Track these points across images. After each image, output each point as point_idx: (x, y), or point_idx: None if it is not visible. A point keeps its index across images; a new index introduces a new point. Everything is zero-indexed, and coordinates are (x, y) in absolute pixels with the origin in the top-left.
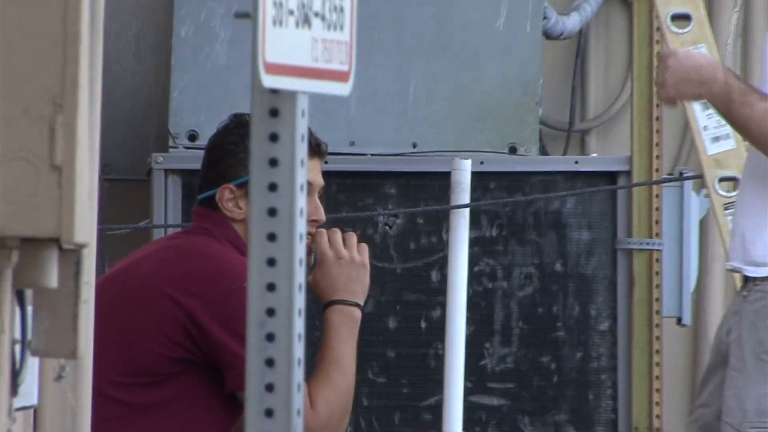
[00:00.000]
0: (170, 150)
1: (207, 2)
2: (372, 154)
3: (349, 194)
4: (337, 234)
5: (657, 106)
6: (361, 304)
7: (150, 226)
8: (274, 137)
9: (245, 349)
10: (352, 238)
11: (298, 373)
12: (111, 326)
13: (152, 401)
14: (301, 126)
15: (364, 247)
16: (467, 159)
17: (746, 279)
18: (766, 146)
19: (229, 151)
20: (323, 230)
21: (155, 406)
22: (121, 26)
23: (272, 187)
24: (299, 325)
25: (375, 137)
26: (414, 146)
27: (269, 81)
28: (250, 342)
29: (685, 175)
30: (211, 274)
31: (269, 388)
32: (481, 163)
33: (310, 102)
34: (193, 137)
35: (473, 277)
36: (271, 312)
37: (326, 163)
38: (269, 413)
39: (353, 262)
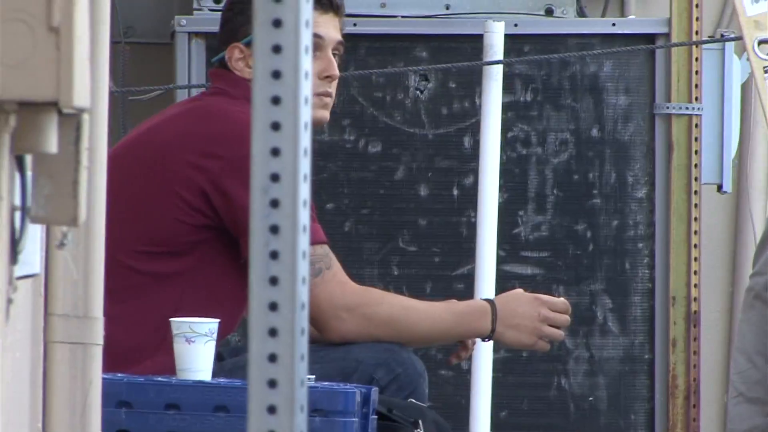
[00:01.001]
0: (194, 12)
1: None
2: (403, 16)
3: (379, 58)
4: (561, 305)
5: None
6: (491, 337)
7: (174, 87)
8: None
9: None
10: (563, 317)
11: (303, 240)
12: (129, 195)
13: (174, 270)
14: None
15: (559, 334)
16: (501, 21)
17: None
18: None
19: (238, 10)
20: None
21: (177, 275)
22: None
23: (276, 49)
24: (305, 190)
25: None
26: (447, 8)
27: None
28: (254, 208)
29: (726, 37)
30: (230, 135)
31: (273, 255)
32: (515, 25)
33: None
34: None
35: (506, 143)
36: (275, 177)
37: (355, 25)
38: (273, 281)
39: (533, 330)
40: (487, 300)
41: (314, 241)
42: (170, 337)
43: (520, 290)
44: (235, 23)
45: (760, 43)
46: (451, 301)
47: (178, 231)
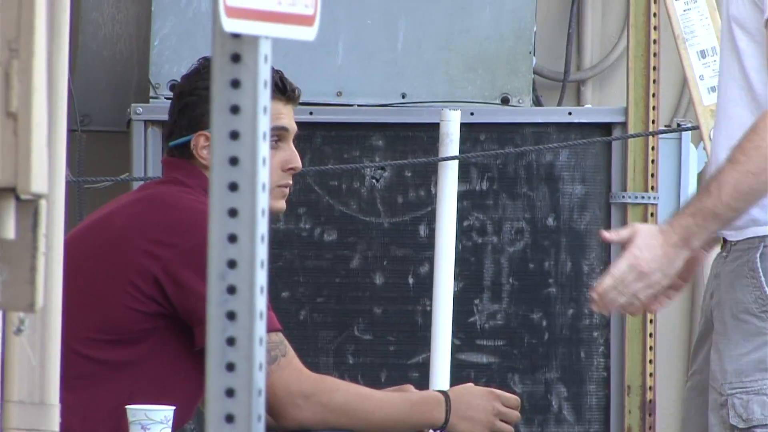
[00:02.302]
0: (151, 100)
1: None
2: (359, 105)
3: (335, 146)
4: (514, 401)
5: (654, 55)
6: (444, 428)
7: (130, 178)
8: (236, 83)
9: None
10: (514, 413)
11: (260, 326)
12: (83, 282)
13: (128, 359)
14: (264, 72)
15: (510, 430)
16: (457, 110)
17: (725, 242)
18: None
19: (203, 97)
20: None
21: (131, 364)
22: None
23: (234, 135)
24: (261, 277)
25: (363, 87)
26: (403, 96)
27: (230, 25)
28: (211, 294)
29: (682, 126)
30: (184, 224)
31: (230, 341)
32: (471, 113)
33: (294, 52)
34: (174, 87)
35: (462, 232)
36: (232, 264)
37: (311, 114)
38: (230, 367)
39: (487, 422)
40: (441, 391)
41: (269, 329)
42: (125, 425)
43: (472, 384)
44: (200, 110)
45: None
46: (406, 391)
47: (131, 319)
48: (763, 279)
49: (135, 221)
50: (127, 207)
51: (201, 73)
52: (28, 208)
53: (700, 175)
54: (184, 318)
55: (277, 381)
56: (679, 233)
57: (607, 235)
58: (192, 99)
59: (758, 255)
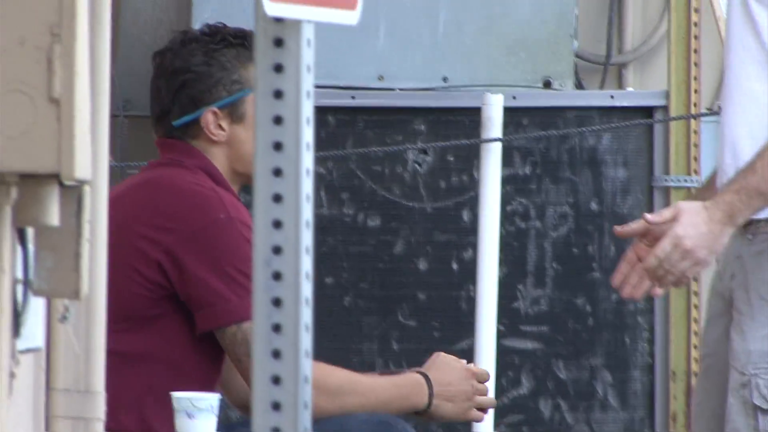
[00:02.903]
0: None
1: None
2: (401, 89)
3: (377, 131)
4: (486, 375)
5: (695, 38)
6: (430, 408)
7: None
8: (278, 68)
9: (225, 284)
10: (486, 387)
11: (306, 313)
12: None
13: (140, 349)
14: (307, 56)
15: (491, 402)
16: (499, 94)
17: (749, 223)
18: None
19: (200, 73)
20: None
21: (144, 355)
22: None
23: (277, 120)
24: (307, 263)
25: (404, 71)
26: (445, 80)
27: (272, 9)
28: (256, 281)
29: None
30: (185, 208)
31: (276, 328)
32: (514, 98)
33: (335, 36)
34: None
35: (505, 217)
36: (277, 250)
37: (353, 98)
38: (276, 354)
39: (466, 401)
40: (422, 373)
41: None
42: (148, 415)
43: (447, 358)
44: (201, 86)
45: None
46: (390, 376)
47: (139, 304)
48: None
49: (135, 207)
50: (129, 192)
51: (190, 48)
52: (72, 195)
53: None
54: (186, 302)
55: None
56: (723, 210)
57: (650, 217)
58: (190, 76)
59: None
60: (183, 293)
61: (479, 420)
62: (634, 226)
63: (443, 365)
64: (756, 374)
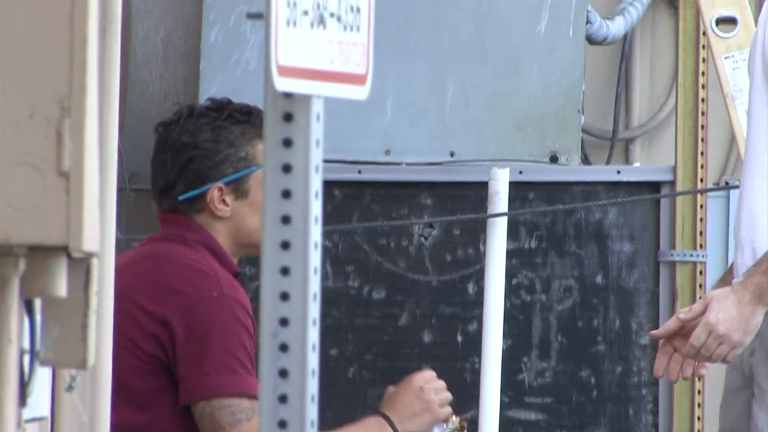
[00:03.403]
0: None
1: (236, 6)
2: (408, 163)
3: (383, 204)
4: (438, 382)
5: (702, 114)
6: None
7: None
8: (287, 143)
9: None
10: (447, 396)
11: (312, 384)
12: None
13: (138, 423)
14: (317, 131)
15: (448, 396)
16: (505, 168)
17: None
18: None
19: (209, 149)
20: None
21: (141, 428)
22: (148, 30)
23: (286, 194)
24: (314, 335)
25: (411, 146)
26: (452, 155)
27: (282, 84)
28: (263, 352)
29: (731, 184)
30: (182, 283)
31: (282, 399)
32: (520, 172)
33: (342, 110)
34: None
35: (511, 290)
36: (284, 322)
37: (359, 172)
38: (282, 425)
39: (429, 410)
40: (379, 413)
41: (245, 394)
42: None
43: (396, 388)
44: (208, 163)
45: None
46: (354, 427)
47: (134, 377)
48: None
49: (136, 280)
50: (131, 265)
51: (197, 123)
52: (80, 267)
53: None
54: (173, 368)
55: None
56: (752, 291)
57: (683, 315)
58: (197, 152)
59: None
60: (174, 365)
61: (448, 415)
62: (669, 326)
63: (394, 395)
64: None
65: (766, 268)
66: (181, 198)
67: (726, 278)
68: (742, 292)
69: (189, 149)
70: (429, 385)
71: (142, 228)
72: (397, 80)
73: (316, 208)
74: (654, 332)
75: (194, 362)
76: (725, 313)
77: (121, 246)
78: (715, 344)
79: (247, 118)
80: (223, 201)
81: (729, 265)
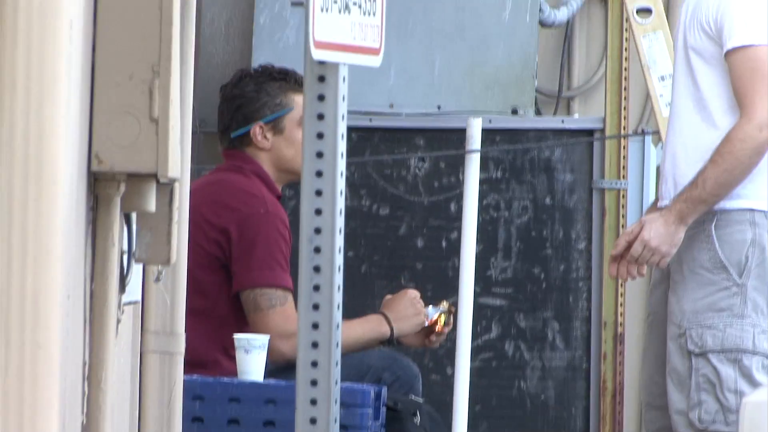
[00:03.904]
0: None
1: None
2: (406, 114)
3: (388, 144)
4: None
5: (625, 79)
6: (393, 333)
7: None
8: (321, 97)
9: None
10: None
11: (338, 277)
12: None
13: (202, 306)
14: (342, 89)
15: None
16: (479, 118)
17: None
18: (745, 162)
19: (251, 98)
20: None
21: (205, 310)
22: (214, 15)
23: (320, 136)
24: (340, 240)
25: (409, 101)
26: (439, 108)
27: (318, 54)
28: (302, 252)
29: (646, 131)
30: (238, 201)
31: (316, 288)
32: (490, 121)
33: (358, 74)
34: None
35: (482, 208)
36: (318, 230)
37: (371, 120)
38: (316, 307)
39: (418, 314)
40: (379, 312)
41: (278, 285)
42: (216, 353)
43: (394, 295)
44: (252, 107)
45: None
46: (358, 320)
47: (198, 272)
48: (716, 243)
49: (205, 199)
50: (201, 188)
51: (244, 81)
52: (166, 189)
53: (659, 167)
54: (228, 260)
55: (270, 322)
56: (675, 214)
57: (624, 238)
58: (243, 100)
59: (713, 225)
60: (229, 263)
61: (435, 345)
62: (620, 245)
63: (392, 300)
64: (689, 328)
65: (686, 197)
66: (233, 135)
67: (652, 206)
68: (668, 215)
69: (237, 99)
70: (420, 304)
71: (209, 161)
72: (399, 53)
73: (342, 146)
74: (613, 252)
75: (244, 260)
76: (656, 231)
77: (192, 174)
78: (649, 254)
79: (283, 76)
80: (265, 137)
81: (642, 191)
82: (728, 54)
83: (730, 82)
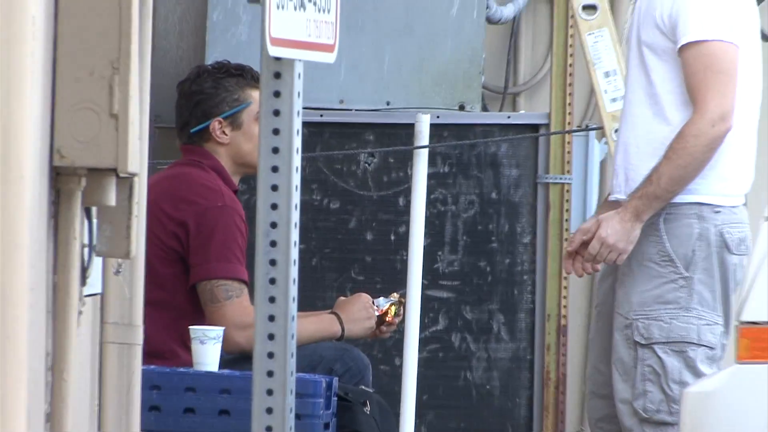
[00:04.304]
0: None
1: None
2: (356, 110)
3: (339, 140)
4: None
5: (570, 75)
6: (344, 333)
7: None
8: (277, 94)
9: (211, 251)
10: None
11: (294, 270)
12: None
13: (158, 298)
14: (298, 85)
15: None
16: (427, 114)
17: None
18: (699, 158)
19: (210, 94)
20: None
21: (162, 302)
22: (168, 11)
23: (276, 132)
24: (295, 234)
25: (358, 97)
26: (388, 104)
27: (274, 51)
28: (258, 247)
29: (590, 127)
30: (197, 195)
31: (272, 281)
32: (438, 117)
33: (309, 70)
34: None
35: (430, 203)
36: (274, 225)
37: (321, 116)
38: (272, 300)
39: (370, 319)
40: (333, 312)
41: (234, 277)
42: (172, 345)
43: (349, 297)
44: (210, 103)
45: (617, 131)
46: (312, 317)
47: (157, 264)
48: (664, 237)
49: (163, 193)
50: (160, 182)
51: (202, 77)
52: (125, 183)
53: (602, 162)
54: (186, 256)
55: (227, 313)
56: (631, 212)
57: (582, 233)
58: (203, 96)
59: (661, 219)
60: (187, 255)
61: (385, 336)
62: (576, 242)
63: (345, 302)
64: (636, 319)
65: (641, 194)
66: (192, 131)
67: (604, 201)
68: (623, 213)
69: (196, 95)
70: (371, 305)
71: (163, 156)
72: (349, 49)
73: (297, 141)
74: (569, 248)
75: (201, 253)
76: (612, 229)
77: (148, 169)
78: (606, 251)
79: (240, 72)
80: (224, 132)
81: (585, 186)
82: (682, 49)
83: (683, 78)
